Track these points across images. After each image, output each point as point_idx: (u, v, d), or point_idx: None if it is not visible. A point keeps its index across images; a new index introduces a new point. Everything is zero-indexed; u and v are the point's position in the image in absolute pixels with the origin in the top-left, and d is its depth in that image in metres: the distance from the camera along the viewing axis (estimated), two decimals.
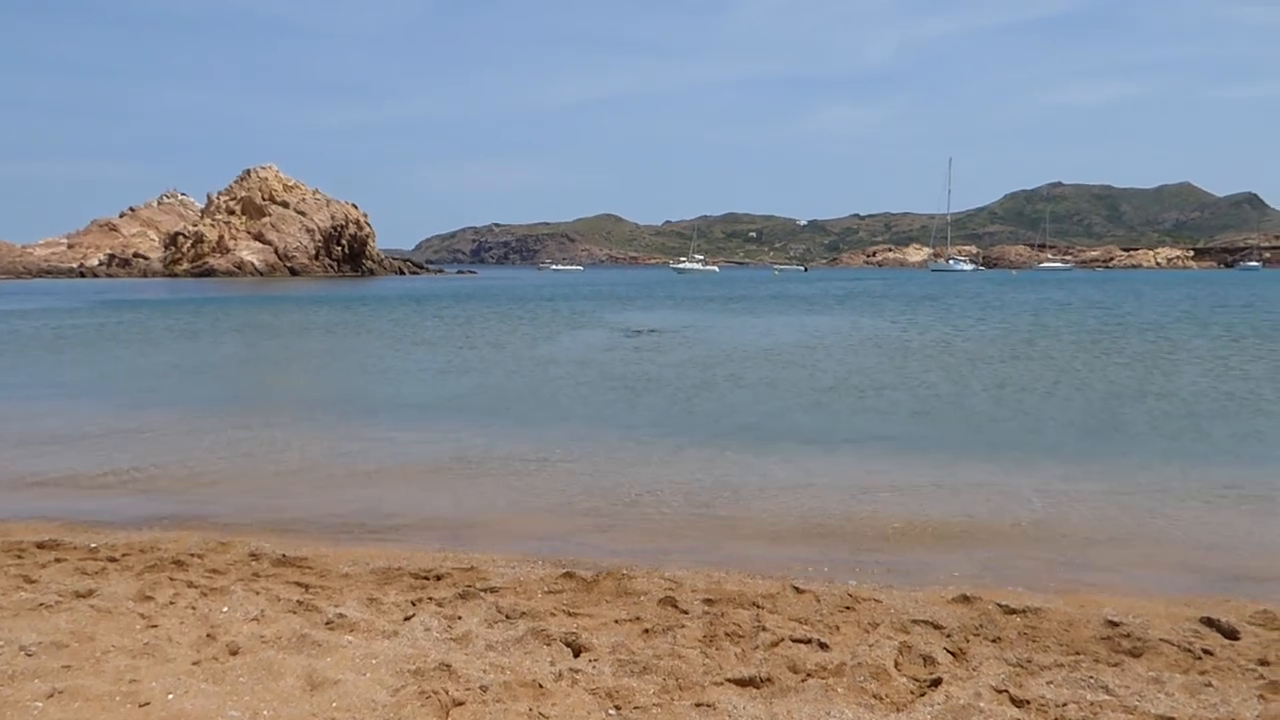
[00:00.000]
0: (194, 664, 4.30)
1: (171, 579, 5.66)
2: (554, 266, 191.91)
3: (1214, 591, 5.68)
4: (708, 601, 5.25)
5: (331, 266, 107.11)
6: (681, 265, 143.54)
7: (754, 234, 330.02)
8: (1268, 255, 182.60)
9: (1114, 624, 4.90)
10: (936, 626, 4.88)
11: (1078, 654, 4.53)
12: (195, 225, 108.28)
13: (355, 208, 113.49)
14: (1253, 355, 19.70)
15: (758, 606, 5.17)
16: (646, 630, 4.79)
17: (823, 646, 4.56)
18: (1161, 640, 4.65)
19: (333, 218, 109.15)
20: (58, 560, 6.07)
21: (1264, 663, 4.40)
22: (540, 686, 4.07)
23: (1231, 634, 4.79)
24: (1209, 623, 4.93)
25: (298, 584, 5.63)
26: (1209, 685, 4.12)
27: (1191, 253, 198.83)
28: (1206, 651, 4.51)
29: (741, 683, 4.14)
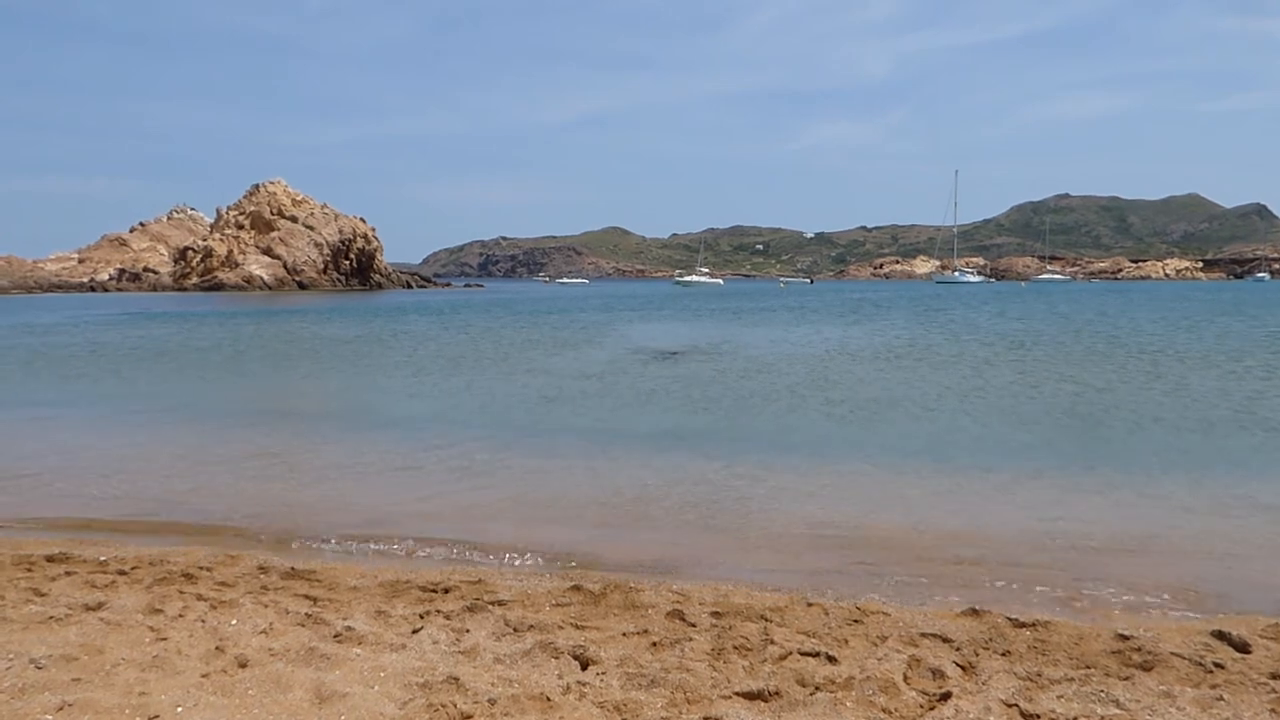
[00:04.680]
0: (203, 677, 4.31)
1: (181, 592, 5.68)
2: (559, 280, 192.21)
3: (1225, 604, 5.65)
4: (715, 614, 5.24)
5: (339, 280, 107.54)
6: (685, 278, 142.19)
7: (761, 246, 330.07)
8: (1277, 267, 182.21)
9: (1124, 637, 4.87)
10: (945, 640, 4.86)
11: (1088, 668, 4.51)
12: (204, 240, 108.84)
13: (363, 222, 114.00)
14: (1265, 366, 19.61)
15: (766, 619, 5.16)
16: (654, 643, 4.78)
17: (831, 660, 4.55)
18: (1172, 654, 4.62)
19: (340, 232, 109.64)
20: (67, 573, 6.10)
21: (1276, 676, 4.37)
22: (548, 699, 4.07)
23: (1243, 647, 4.76)
24: (1220, 636, 4.90)
25: (306, 597, 5.64)
26: (1220, 699, 4.10)
27: (1200, 264, 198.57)
28: (1218, 665, 4.49)
29: (749, 696, 4.13)
